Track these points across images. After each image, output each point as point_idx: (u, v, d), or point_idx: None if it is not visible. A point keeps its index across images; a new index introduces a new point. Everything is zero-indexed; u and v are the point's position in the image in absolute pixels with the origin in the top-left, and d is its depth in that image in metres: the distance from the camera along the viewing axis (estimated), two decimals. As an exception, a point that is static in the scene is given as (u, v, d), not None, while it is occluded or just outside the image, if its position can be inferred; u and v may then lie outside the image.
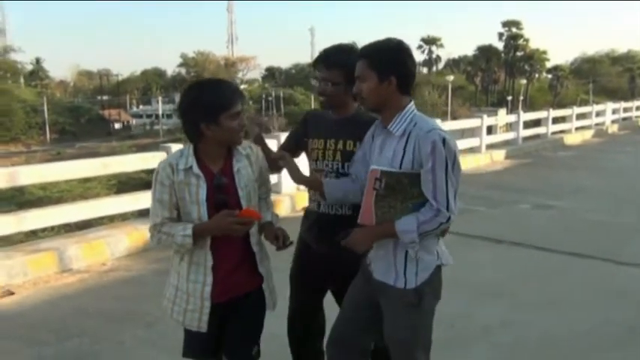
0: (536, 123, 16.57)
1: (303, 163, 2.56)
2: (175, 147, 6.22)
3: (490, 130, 13.69)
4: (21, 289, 4.71)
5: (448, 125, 12.68)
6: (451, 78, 41.16)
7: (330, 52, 2.46)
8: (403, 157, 2.10)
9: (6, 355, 3.63)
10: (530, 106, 48.30)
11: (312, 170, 2.62)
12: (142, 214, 6.59)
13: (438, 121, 10.61)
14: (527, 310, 4.25)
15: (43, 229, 6.82)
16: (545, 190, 9.04)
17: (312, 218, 2.62)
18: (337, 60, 2.41)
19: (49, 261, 5.07)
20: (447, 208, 2.06)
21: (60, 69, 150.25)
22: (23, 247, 5.41)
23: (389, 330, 2.25)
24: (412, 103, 2.19)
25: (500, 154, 12.85)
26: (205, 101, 2.03)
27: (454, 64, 68.58)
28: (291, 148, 2.68)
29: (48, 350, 3.64)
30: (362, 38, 2.34)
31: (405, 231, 2.08)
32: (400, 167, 2.09)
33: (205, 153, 2.14)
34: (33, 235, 6.89)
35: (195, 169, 2.11)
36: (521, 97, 53.39)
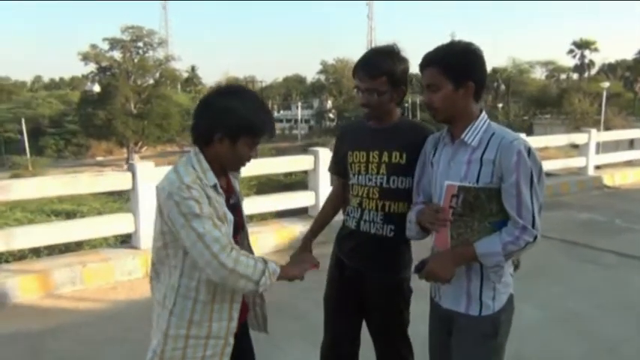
0: None
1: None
2: (324, 151, 6.49)
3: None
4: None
5: (603, 136, 11.72)
6: (606, 84, 37.74)
7: (372, 58, 2.24)
8: (481, 168, 1.90)
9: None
10: (701, 117, 42.80)
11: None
12: (280, 214, 6.94)
13: (593, 133, 9.97)
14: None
15: None
16: None
17: (348, 234, 2.42)
18: (381, 67, 2.19)
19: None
20: (533, 226, 1.85)
21: (212, 76, 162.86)
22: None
23: None
24: (484, 111, 2.00)
25: (665, 169, 11.56)
26: (235, 115, 1.78)
27: (610, 70, 62.93)
28: (341, 170, 2.49)
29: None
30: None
31: (488, 254, 1.87)
32: (477, 181, 1.89)
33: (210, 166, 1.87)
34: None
35: (218, 186, 1.84)
36: (690, 106, 47.63)
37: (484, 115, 1.99)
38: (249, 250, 2.04)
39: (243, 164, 1.90)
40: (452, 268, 1.93)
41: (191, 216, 1.69)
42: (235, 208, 1.93)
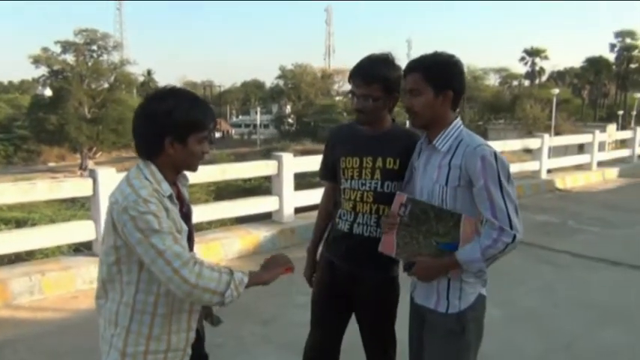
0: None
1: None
2: (287, 156, 6.53)
3: (599, 146, 12.94)
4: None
5: (555, 141, 12.17)
6: (556, 91, 39.20)
7: (368, 65, 2.28)
8: (449, 172, 2.01)
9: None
10: (644, 122, 44.95)
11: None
12: (241, 220, 6.96)
13: (546, 138, 10.31)
14: (652, 337, 4.02)
15: None
16: (666, 212, 8.42)
17: (340, 237, 2.43)
18: (377, 74, 2.24)
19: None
20: (510, 227, 1.91)
21: (169, 80, 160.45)
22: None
23: None
24: (459, 118, 2.10)
25: (613, 173, 12.11)
26: (179, 115, 1.74)
27: (559, 77, 65.37)
28: (332, 176, 2.50)
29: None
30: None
31: (469, 261, 1.95)
32: (446, 184, 2.00)
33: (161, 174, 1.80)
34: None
35: (174, 196, 1.80)
36: (634, 112, 49.88)
37: (458, 121, 2.08)
38: None
39: (199, 162, 1.86)
40: (435, 275, 2.04)
41: (150, 232, 1.63)
42: (187, 217, 1.88)
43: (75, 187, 5.27)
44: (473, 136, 2.06)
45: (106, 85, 46.55)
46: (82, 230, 5.27)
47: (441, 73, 2.03)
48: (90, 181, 5.11)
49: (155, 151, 1.77)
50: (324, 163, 2.58)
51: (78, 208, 16.41)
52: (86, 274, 4.91)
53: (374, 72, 2.25)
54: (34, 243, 5.34)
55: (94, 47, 44.96)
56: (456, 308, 2.04)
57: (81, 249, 6.95)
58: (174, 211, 1.76)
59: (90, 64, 44.69)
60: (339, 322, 2.55)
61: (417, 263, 2.05)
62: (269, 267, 1.89)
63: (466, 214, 2.00)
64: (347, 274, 2.41)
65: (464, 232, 1.98)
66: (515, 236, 1.91)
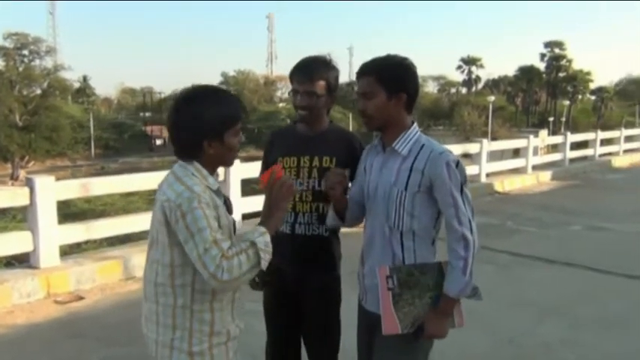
0: (580, 145, 16.32)
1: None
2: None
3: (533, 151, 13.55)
4: (90, 294, 4.93)
5: (493, 146, 12.64)
6: (492, 99, 40.86)
7: (311, 63, 2.33)
8: (409, 176, 2.00)
9: (83, 352, 3.84)
10: (572, 128, 47.39)
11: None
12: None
13: (485, 143, 10.67)
14: (587, 330, 4.23)
15: (87, 242, 6.98)
16: (596, 212, 8.90)
17: (283, 240, 2.33)
18: (320, 71, 2.30)
19: (115, 269, 5.30)
20: (471, 230, 1.96)
21: (105, 86, 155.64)
22: (91, 254, 5.68)
23: None
24: (415, 123, 2.11)
25: (546, 175, 12.69)
26: (211, 116, 1.77)
27: (494, 85, 67.98)
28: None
29: (120, 351, 3.84)
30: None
31: (461, 289, 1.98)
32: (406, 188, 2.00)
33: None
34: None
35: (220, 189, 1.88)
36: (563, 119, 52.59)
37: (415, 126, 2.09)
38: None
39: (236, 154, 1.90)
40: (446, 323, 2.04)
41: (195, 230, 1.66)
42: (229, 208, 1.92)
43: (10, 196, 5.04)
44: (433, 141, 2.08)
45: (39, 92, 44.67)
46: (18, 241, 5.02)
47: (393, 75, 2.02)
48: (27, 189, 4.89)
49: (196, 154, 1.80)
50: (263, 164, 2.57)
51: (9, 219, 15.62)
52: (23, 287, 4.69)
53: (317, 69, 2.29)
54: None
55: (25, 52, 43.10)
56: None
57: (13, 262, 6.62)
58: (222, 206, 1.80)
59: (21, 69, 42.77)
60: (295, 323, 2.53)
61: (427, 326, 2.01)
62: (273, 204, 1.87)
63: (422, 217, 2.02)
64: (294, 277, 2.40)
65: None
66: (473, 241, 1.97)
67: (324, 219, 2.35)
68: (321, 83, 2.29)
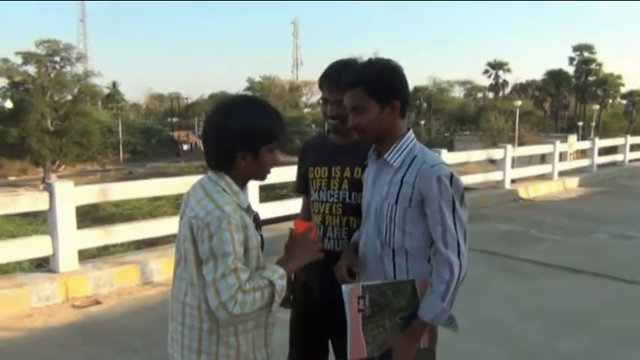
0: (609, 150, 15.92)
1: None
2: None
3: (560, 156, 13.27)
4: (107, 298, 4.97)
5: (517, 151, 12.43)
6: (519, 103, 40.23)
7: (341, 69, 2.18)
8: (400, 189, 1.87)
9: (98, 357, 3.86)
10: (602, 133, 46.42)
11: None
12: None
13: (509, 149, 10.54)
14: (613, 343, 4.08)
15: (115, 245, 7.05)
16: (624, 220, 8.65)
17: None
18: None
19: (132, 273, 5.33)
20: (459, 253, 1.81)
21: (134, 92, 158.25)
22: (110, 259, 5.73)
23: None
24: (411, 131, 1.96)
25: (573, 182, 12.41)
26: (250, 130, 1.73)
27: (521, 89, 67.02)
28: (304, 187, 2.42)
29: (136, 356, 3.84)
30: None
31: (437, 315, 1.83)
32: (396, 202, 1.87)
33: None
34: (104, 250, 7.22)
35: (251, 207, 1.81)
36: (593, 124, 51.55)
37: (410, 134, 1.95)
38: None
39: (269, 172, 1.84)
40: (414, 348, 1.88)
41: (219, 253, 1.61)
42: (258, 224, 1.87)
43: (31, 201, 5.11)
44: (427, 152, 1.94)
45: (70, 97, 45.72)
46: (38, 245, 5.10)
47: (383, 83, 1.88)
48: (46, 194, 4.96)
49: (227, 164, 1.75)
50: (297, 174, 2.49)
51: (40, 222, 16.01)
52: (41, 291, 4.74)
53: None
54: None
55: (57, 59, 44.23)
56: None
57: (43, 264, 6.72)
58: (252, 225, 1.75)
59: (52, 75, 43.84)
60: (320, 343, 2.42)
61: (395, 351, 1.86)
62: (298, 254, 1.82)
63: (414, 234, 1.89)
64: (321, 293, 2.27)
65: (421, 295, 1.87)
66: (461, 265, 1.81)
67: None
68: None
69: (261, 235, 1.84)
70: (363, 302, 1.82)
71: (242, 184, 1.80)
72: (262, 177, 1.83)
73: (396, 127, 1.93)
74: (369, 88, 1.86)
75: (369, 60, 1.96)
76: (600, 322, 4.47)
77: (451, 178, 1.84)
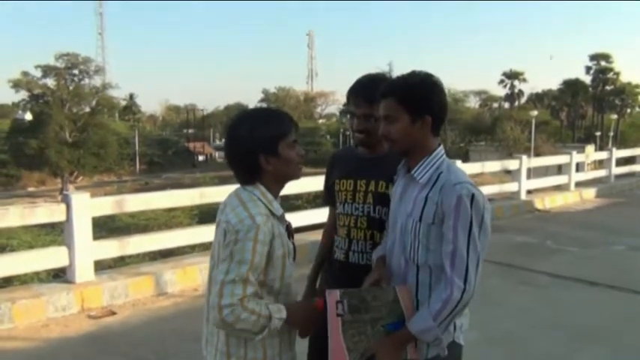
0: (628, 161, 15.71)
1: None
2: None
3: (577, 167, 13.12)
4: (122, 309, 5.01)
5: (533, 162, 12.33)
6: (535, 113, 39.87)
7: (368, 84, 2.20)
8: (424, 206, 1.84)
9: (112, 370, 3.88)
10: (621, 143, 45.85)
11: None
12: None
13: (524, 159, 10.45)
14: (629, 355, 4.02)
15: (130, 256, 7.13)
16: (642, 232, 8.53)
17: (338, 268, 2.35)
18: (378, 93, 2.11)
19: (147, 284, 5.37)
20: (465, 280, 1.74)
21: (151, 104, 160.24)
22: (125, 270, 5.79)
23: None
24: (441, 147, 1.93)
25: (590, 193, 12.26)
26: (261, 131, 1.79)
27: (537, 99, 66.46)
28: (330, 199, 2.42)
29: (149, 368, 3.87)
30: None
31: (423, 331, 1.77)
32: (420, 219, 1.84)
33: None
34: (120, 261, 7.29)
35: (284, 214, 1.87)
36: (611, 133, 50.85)
37: (440, 150, 1.92)
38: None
39: (299, 167, 1.88)
40: (399, 354, 1.83)
41: (237, 258, 1.66)
42: (290, 233, 1.91)
43: (49, 212, 5.18)
44: (454, 169, 1.90)
45: (88, 109, 46.39)
46: (55, 256, 5.17)
47: (416, 96, 1.86)
48: (63, 206, 5.04)
49: (256, 173, 1.80)
50: (325, 186, 2.51)
51: (58, 233, 16.20)
52: (58, 301, 4.80)
53: (375, 91, 2.06)
54: (5, 270, 5.22)
55: (76, 71, 44.93)
56: (423, 356, 1.87)
57: (60, 275, 6.80)
58: (284, 234, 1.80)
59: (71, 88, 44.53)
60: None
61: (378, 355, 1.80)
62: (310, 320, 1.87)
63: (438, 251, 1.83)
64: None
65: (403, 302, 1.83)
66: (464, 290, 1.74)
67: None
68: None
69: (294, 244, 1.89)
70: (342, 307, 1.82)
71: (278, 189, 1.86)
72: (294, 174, 1.87)
73: (427, 142, 1.91)
74: (401, 98, 1.86)
75: (411, 72, 1.93)
76: (617, 336, 4.40)
77: (472, 198, 1.78)
